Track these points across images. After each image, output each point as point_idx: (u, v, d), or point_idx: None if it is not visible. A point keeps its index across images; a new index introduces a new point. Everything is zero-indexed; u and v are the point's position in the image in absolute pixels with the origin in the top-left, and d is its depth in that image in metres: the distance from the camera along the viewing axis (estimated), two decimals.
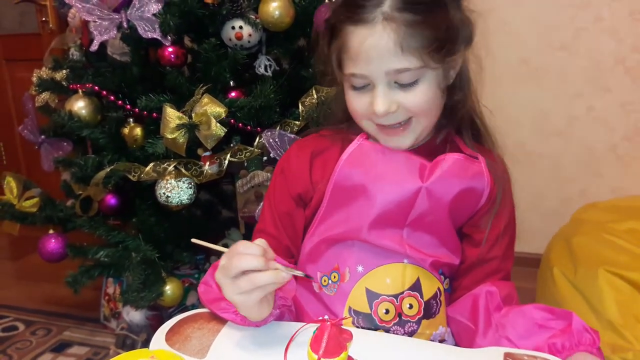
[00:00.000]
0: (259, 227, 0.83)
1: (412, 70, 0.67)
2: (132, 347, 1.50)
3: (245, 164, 1.34)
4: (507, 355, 0.64)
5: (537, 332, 0.67)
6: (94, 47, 1.22)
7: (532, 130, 2.08)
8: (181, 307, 1.43)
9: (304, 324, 0.67)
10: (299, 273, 0.63)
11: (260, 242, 0.62)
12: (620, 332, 1.28)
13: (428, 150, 0.76)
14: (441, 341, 0.77)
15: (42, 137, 1.50)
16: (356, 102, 0.72)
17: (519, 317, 0.69)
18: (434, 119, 0.74)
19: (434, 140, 0.79)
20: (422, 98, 0.69)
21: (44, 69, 1.54)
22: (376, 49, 0.66)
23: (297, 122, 1.26)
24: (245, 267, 0.59)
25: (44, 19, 2.58)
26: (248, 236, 0.88)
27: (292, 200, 0.80)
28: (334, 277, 0.76)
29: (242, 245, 0.62)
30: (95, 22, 1.22)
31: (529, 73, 2.04)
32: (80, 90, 1.38)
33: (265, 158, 1.29)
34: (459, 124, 0.79)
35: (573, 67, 1.98)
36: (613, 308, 1.33)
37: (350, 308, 0.74)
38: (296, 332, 0.65)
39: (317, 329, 0.63)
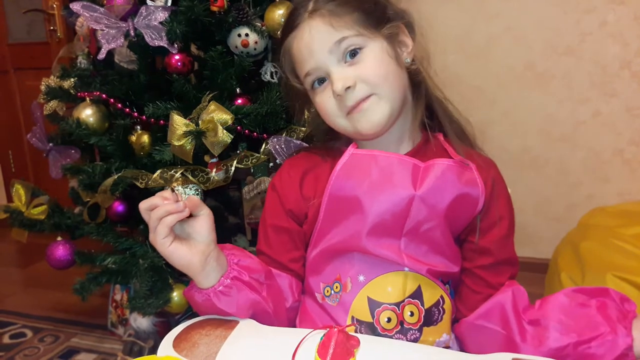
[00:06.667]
0: (257, 248, 0.84)
1: (350, 38, 0.72)
2: (140, 353, 1.50)
3: (252, 171, 1.34)
4: None
5: (582, 312, 0.70)
6: (102, 55, 1.23)
7: (538, 135, 2.08)
8: (188, 313, 1.43)
9: (312, 330, 0.67)
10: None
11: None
12: None
13: (418, 154, 0.77)
14: (446, 348, 0.76)
15: (50, 144, 1.52)
16: (324, 102, 0.75)
17: (556, 304, 0.72)
18: (397, 90, 0.74)
19: (422, 142, 0.80)
20: (373, 64, 0.72)
21: (52, 77, 1.56)
22: (313, 38, 0.73)
23: (302, 129, 1.27)
24: (149, 208, 0.67)
25: (52, 27, 2.61)
26: (255, 242, 0.88)
27: (287, 215, 0.81)
28: (336, 287, 0.77)
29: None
30: (103, 30, 1.23)
31: (534, 78, 2.04)
32: (88, 98, 1.39)
33: (271, 164, 1.29)
34: (441, 123, 0.81)
35: (579, 72, 1.98)
36: None
37: (353, 317, 0.74)
38: (303, 338, 0.65)
39: (324, 335, 0.63)
